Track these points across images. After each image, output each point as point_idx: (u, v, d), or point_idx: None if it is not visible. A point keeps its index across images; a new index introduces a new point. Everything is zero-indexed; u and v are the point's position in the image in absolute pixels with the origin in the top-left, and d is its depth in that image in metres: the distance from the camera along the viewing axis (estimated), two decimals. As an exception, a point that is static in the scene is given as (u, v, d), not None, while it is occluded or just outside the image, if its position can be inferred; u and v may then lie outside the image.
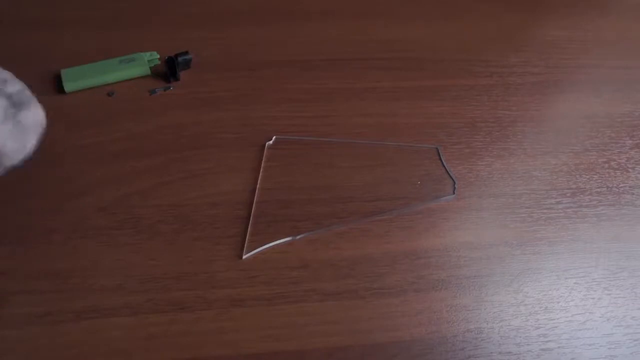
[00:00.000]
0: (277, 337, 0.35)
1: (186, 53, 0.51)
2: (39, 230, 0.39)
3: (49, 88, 0.49)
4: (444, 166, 0.46)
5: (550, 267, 0.41)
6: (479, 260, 0.40)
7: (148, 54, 0.52)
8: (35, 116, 0.38)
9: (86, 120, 0.47)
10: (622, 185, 0.47)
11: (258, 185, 0.43)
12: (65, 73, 0.49)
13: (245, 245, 0.40)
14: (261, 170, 0.44)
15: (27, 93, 0.38)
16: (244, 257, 0.39)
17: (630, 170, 0.48)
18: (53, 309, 0.35)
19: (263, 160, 0.45)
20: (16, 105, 0.36)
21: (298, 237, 0.40)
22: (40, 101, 0.48)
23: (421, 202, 0.44)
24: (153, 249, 0.39)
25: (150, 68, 0.51)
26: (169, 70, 0.51)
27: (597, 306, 0.39)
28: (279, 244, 0.40)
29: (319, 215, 0.42)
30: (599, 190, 0.46)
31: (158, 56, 0.52)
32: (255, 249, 0.39)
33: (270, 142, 0.47)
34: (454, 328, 0.37)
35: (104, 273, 0.37)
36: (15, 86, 0.37)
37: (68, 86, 0.49)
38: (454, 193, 0.44)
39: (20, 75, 0.50)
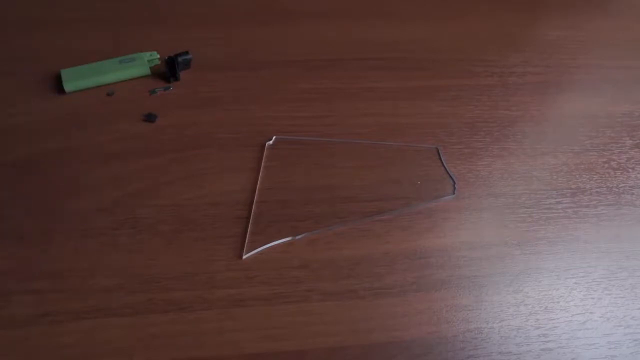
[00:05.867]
0: (277, 337, 0.35)
1: (186, 53, 0.51)
2: (39, 230, 0.39)
3: (49, 88, 0.49)
4: (444, 166, 0.46)
5: (550, 267, 0.41)
6: (479, 260, 0.40)
7: (148, 54, 0.52)
8: None
9: (86, 120, 0.47)
10: (622, 185, 0.47)
11: (258, 185, 0.43)
12: (65, 73, 0.49)
13: (245, 245, 0.40)
14: (261, 170, 0.44)
15: None
16: (244, 257, 0.39)
17: (630, 170, 0.48)
18: (53, 309, 0.35)
19: (263, 160, 0.45)
20: None
21: (298, 237, 0.40)
22: (40, 101, 0.48)
23: (421, 202, 0.44)
24: (153, 249, 0.39)
25: (150, 68, 0.51)
26: (169, 70, 0.51)
27: (597, 306, 0.39)
28: (279, 244, 0.40)
29: (319, 215, 0.42)
30: (599, 190, 0.46)
31: (158, 56, 0.52)
32: (255, 249, 0.39)
33: (270, 142, 0.47)
34: (454, 328, 0.37)
35: (104, 273, 0.37)
36: None
37: (68, 86, 0.49)
38: (454, 193, 0.44)
39: (20, 75, 0.50)
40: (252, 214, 0.41)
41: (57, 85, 0.49)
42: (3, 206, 0.40)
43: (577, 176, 0.47)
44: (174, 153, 0.45)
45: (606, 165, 0.48)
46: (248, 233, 0.40)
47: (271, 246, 0.40)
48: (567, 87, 0.56)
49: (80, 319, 0.35)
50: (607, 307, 0.39)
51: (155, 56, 0.52)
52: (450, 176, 0.46)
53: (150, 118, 0.47)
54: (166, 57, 0.51)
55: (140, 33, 0.56)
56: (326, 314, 0.37)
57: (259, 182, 0.44)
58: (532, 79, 0.56)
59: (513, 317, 0.38)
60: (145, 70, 0.51)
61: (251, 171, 0.44)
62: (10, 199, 0.41)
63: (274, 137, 0.47)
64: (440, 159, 0.47)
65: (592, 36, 0.63)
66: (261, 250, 0.39)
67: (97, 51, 0.52)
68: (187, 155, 0.45)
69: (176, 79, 0.51)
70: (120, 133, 0.46)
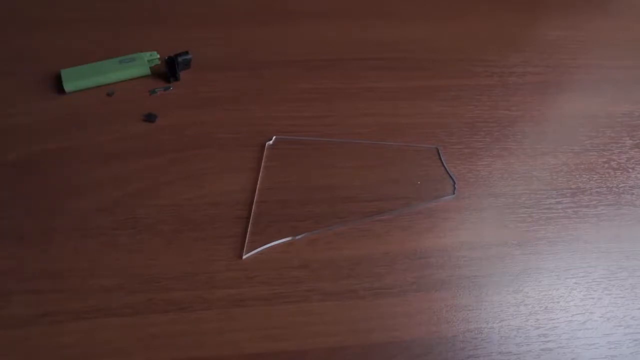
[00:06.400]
0: (277, 337, 0.35)
1: (186, 53, 0.51)
2: (39, 230, 0.39)
3: (49, 88, 0.49)
4: (444, 166, 0.46)
5: (550, 267, 0.41)
6: (479, 260, 0.40)
7: (148, 54, 0.52)
8: None
9: (86, 120, 0.47)
10: (622, 185, 0.47)
11: (258, 185, 0.43)
12: (65, 73, 0.49)
13: (245, 245, 0.40)
14: (261, 170, 0.44)
15: None
16: (244, 257, 0.39)
17: (630, 170, 0.48)
18: (53, 309, 0.35)
19: (263, 160, 0.45)
20: None
21: (298, 237, 0.40)
22: (40, 101, 0.48)
23: (421, 202, 0.44)
24: (153, 249, 0.39)
25: (150, 68, 0.51)
26: (169, 70, 0.51)
27: (597, 306, 0.39)
28: (279, 244, 0.40)
29: (319, 215, 0.42)
30: (599, 190, 0.46)
31: (158, 56, 0.52)
32: (255, 249, 0.39)
33: (270, 142, 0.47)
34: (454, 328, 0.37)
35: (104, 273, 0.37)
36: None
37: (68, 86, 0.49)
38: (454, 193, 0.44)
39: (20, 75, 0.50)
40: (252, 214, 0.41)
41: (57, 85, 0.49)
42: (3, 206, 0.40)
43: (577, 176, 0.47)
44: (174, 153, 0.45)
45: (606, 165, 0.48)
46: (248, 233, 0.40)
47: (271, 246, 0.40)
48: (567, 87, 0.56)
49: (80, 319, 0.35)
50: (607, 307, 0.39)
51: (155, 56, 0.52)
52: (450, 176, 0.46)
53: (150, 118, 0.47)
54: (166, 57, 0.51)
55: (140, 33, 0.56)
56: (326, 314, 0.37)
57: (259, 182, 0.44)
58: (532, 79, 0.56)
59: (513, 317, 0.38)
60: (145, 70, 0.51)
61: (251, 171, 0.44)
62: (10, 199, 0.41)
63: (274, 137, 0.47)
64: (440, 159, 0.47)
65: (592, 36, 0.63)
66: (261, 250, 0.39)
67: (97, 51, 0.52)
68: (187, 155, 0.45)
69: (176, 79, 0.51)
70: (120, 133, 0.46)
